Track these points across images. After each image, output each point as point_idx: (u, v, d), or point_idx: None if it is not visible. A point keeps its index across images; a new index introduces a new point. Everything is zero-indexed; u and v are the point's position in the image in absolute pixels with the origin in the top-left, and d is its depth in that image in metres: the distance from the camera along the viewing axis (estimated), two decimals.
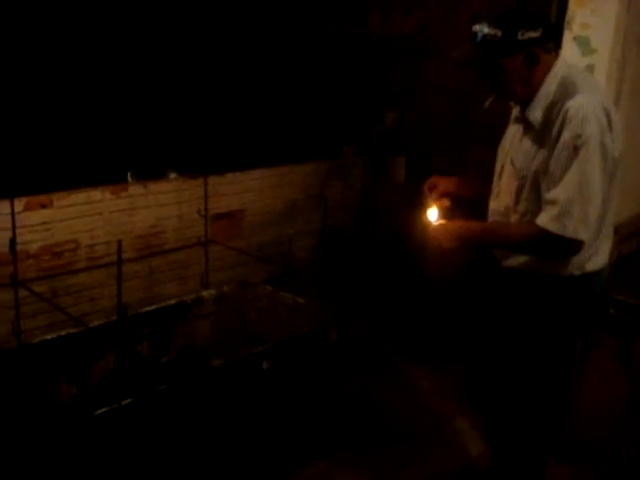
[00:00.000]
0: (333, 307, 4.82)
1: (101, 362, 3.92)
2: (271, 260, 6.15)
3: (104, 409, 3.09)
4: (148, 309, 4.23)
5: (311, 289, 6.08)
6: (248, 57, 6.32)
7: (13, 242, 3.51)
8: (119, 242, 3.03)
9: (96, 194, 4.75)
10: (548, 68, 3.15)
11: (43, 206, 4.48)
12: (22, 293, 4.07)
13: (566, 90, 3.09)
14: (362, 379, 4.93)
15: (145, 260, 5.18)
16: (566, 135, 2.98)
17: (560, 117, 3.02)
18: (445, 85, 6.32)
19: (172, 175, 5.42)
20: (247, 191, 5.88)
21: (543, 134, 3.12)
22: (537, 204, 3.14)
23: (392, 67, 6.85)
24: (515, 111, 3.43)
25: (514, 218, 3.29)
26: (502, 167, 3.41)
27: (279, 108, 6.42)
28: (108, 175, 5.04)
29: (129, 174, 5.25)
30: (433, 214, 3.48)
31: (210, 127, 5.72)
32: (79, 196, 4.66)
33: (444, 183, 3.67)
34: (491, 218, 3.46)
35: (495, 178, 3.46)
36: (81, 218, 4.71)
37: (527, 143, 3.21)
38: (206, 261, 4.44)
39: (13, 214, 3.49)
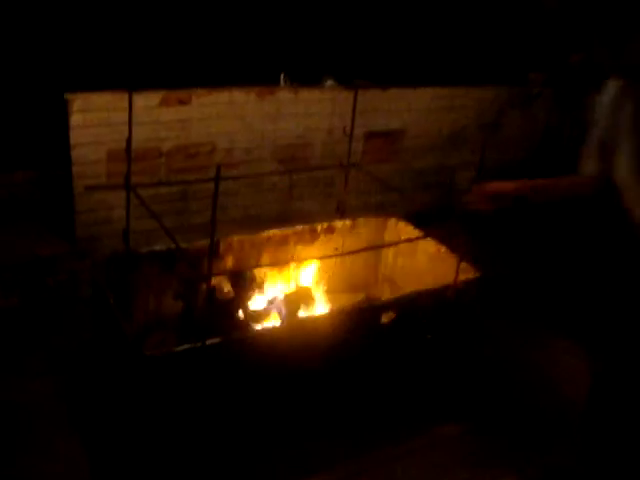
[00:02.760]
0: (483, 253, 4.24)
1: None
2: (428, 189, 5.62)
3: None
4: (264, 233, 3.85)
5: (465, 228, 5.54)
6: None
7: (129, 143, 3.18)
8: (218, 168, 2.60)
9: (240, 95, 4.36)
10: None
11: (182, 102, 4.15)
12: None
13: None
14: (504, 342, 4.33)
15: (286, 173, 4.79)
16: None
17: None
18: None
19: (328, 83, 4.93)
20: (411, 110, 5.28)
21: None
22: None
23: None
24: None
25: None
26: None
27: (459, 21, 5.68)
28: (258, 75, 4.64)
29: (282, 76, 4.81)
30: None
31: (380, 34, 5.13)
32: (221, 95, 4.29)
33: None
34: None
35: None
36: (221, 119, 4.35)
37: None
38: (345, 185, 3.95)
39: (131, 110, 3.15)
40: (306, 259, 3.82)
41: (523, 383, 3.91)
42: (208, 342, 2.76)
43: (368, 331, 3.30)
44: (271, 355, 3.00)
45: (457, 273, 3.39)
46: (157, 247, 3.48)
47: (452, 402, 3.66)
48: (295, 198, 4.84)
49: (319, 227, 3.92)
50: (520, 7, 5.92)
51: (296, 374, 3.11)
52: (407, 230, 4.03)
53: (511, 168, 6.03)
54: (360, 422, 3.39)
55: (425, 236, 3.86)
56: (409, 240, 3.88)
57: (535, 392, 3.86)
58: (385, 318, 3.29)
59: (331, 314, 3.41)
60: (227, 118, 4.36)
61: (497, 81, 5.70)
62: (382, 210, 4.81)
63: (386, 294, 4.09)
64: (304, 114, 4.69)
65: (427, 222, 4.42)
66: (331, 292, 3.89)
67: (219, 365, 2.88)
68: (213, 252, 2.89)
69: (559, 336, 4.38)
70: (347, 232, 4.02)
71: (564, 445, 3.33)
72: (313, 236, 3.95)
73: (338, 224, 3.98)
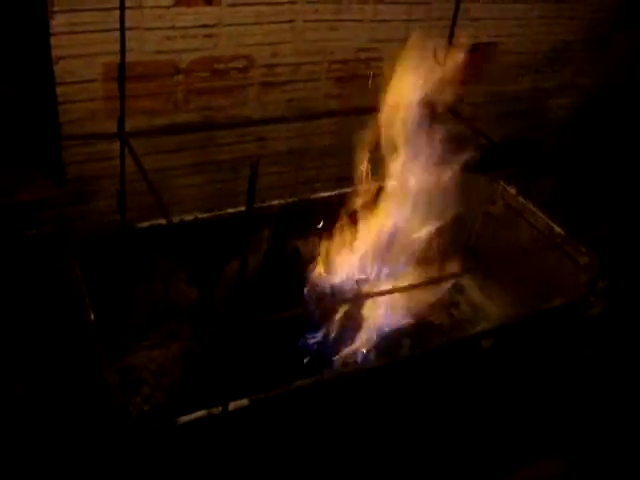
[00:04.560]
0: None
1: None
2: (517, 118, 4.50)
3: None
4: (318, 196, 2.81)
5: (558, 173, 4.44)
6: None
7: (122, 68, 2.13)
8: (255, 162, 1.52)
9: None
10: None
11: (207, 1, 3.02)
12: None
13: None
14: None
15: (343, 95, 3.68)
16: None
17: None
18: None
19: None
20: (505, 19, 4.08)
21: None
22: None
23: None
24: None
25: None
26: None
27: None
28: None
29: None
30: None
31: None
32: None
33: None
34: None
35: None
36: (261, 25, 3.22)
37: None
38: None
39: (123, 14, 2.07)
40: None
41: None
42: (231, 406, 1.77)
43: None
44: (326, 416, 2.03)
45: (592, 283, 2.33)
46: (159, 220, 2.46)
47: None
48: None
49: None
50: None
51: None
52: (507, 194, 2.97)
53: (618, 95, 4.88)
54: None
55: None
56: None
57: None
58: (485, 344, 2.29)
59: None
60: (269, 24, 3.23)
61: None
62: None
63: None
64: (372, 19, 3.54)
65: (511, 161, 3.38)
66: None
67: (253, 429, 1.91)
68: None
69: None
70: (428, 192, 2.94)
71: None
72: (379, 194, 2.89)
73: (416, 181, 2.89)
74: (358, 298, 2.50)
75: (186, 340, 2.70)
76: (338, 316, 2.50)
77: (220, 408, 1.80)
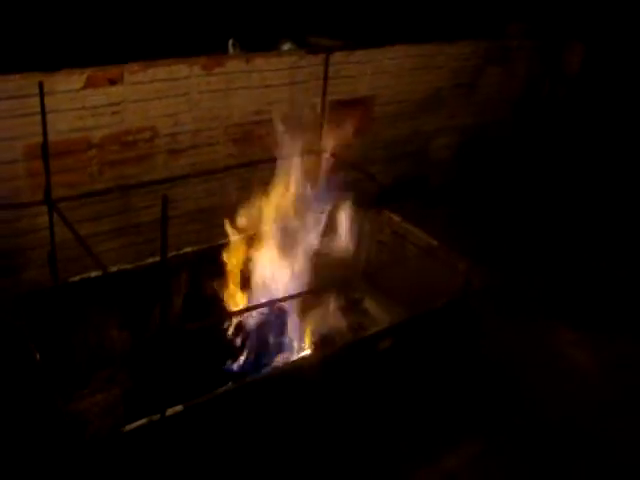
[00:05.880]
0: (471, 237, 3.67)
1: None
2: (403, 160, 5.00)
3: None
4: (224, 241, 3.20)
5: (444, 203, 4.93)
6: None
7: (45, 146, 2.49)
8: (164, 197, 1.92)
9: (182, 69, 3.64)
10: None
11: (111, 82, 3.43)
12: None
13: None
14: (503, 338, 3.77)
15: (242, 153, 4.10)
16: None
17: None
18: None
19: (286, 46, 4.23)
20: (381, 73, 4.62)
21: None
22: None
23: None
24: None
25: None
26: None
27: None
28: (202, 44, 3.92)
29: (230, 43, 4.10)
30: None
31: None
32: (159, 70, 3.57)
33: None
34: None
35: None
36: (161, 99, 3.64)
37: None
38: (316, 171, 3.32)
39: (42, 99, 2.45)
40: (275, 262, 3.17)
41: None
42: (169, 412, 2.12)
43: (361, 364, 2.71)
44: (248, 417, 2.39)
45: (466, 282, 2.78)
46: (92, 274, 2.80)
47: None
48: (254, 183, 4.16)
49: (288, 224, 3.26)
50: None
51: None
52: (393, 221, 3.42)
53: (491, 130, 5.46)
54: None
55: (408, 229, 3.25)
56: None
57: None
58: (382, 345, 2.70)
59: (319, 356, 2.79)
60: (169, 97, 3.65)
61: (473, 35, 5.05)
62: (354, 189, 4.16)
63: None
64: (260, 85, 4.00)
65: (402, 198, 3.86)
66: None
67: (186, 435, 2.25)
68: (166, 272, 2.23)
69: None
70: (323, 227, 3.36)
71: None
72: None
73: (311, 218, 3.32)
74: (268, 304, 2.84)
75: (124, 383, 2.98)
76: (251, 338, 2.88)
77: (159, 415, 2.12)
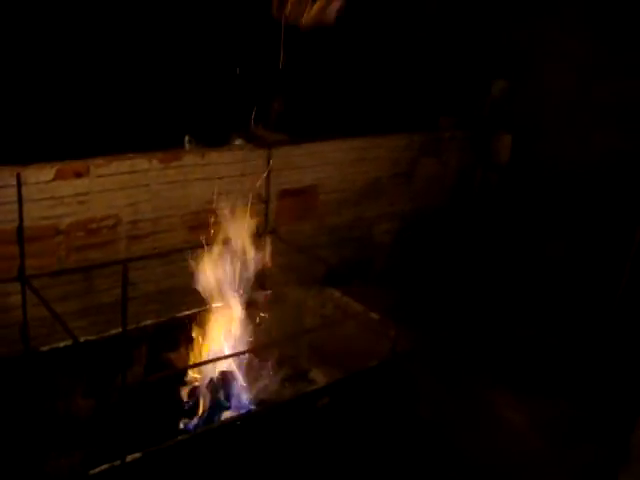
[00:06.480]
0: (412, 311, 4.05)
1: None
2: (347, 245, 5.40)
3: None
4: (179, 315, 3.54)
5: (388, 283, 5.31)
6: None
7: (20, 230, 2.84)
8: (124, 266, 2.28)
9: (142, 162, 4.05)
10: None
11: (78, 175, 3.81)
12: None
13: None
14: (438, 400, 4.11)
15: (197, 239, 4.45)
16: None
17: None
18: (568, 52, 5.34)
19: (237, 142, 4.67)
20: (324, 164, 5.08)
21: None
22: None
23: (505, 26, 5.85)
24: None
25: None
26: None
27: (368, 71, 5.55)
28: (161, 139, 4.33)
29: (186, 139, 4.52)
30: None
31: (285, 90, 4.91)
32: (122, 164, 3.97)
33: None
34: None
35: None
36: (123, 190, 4.02)
37: None
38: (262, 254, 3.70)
39: (20, 191, 2.81)
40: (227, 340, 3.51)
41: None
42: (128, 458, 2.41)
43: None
44: (199, 466, 2.68)
45: (394, 345, 3.15)
46: (61, 344, 3.10)
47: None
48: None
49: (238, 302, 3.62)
50: (428, 50, 5.87)
51: None
52: (334, 297, 3.79)
53: (428, 216, 5.91)
54: None
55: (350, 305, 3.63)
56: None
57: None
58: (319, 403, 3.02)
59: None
60: (130, 188, 4.04)
61: (409, 128, 5.57)
62: (300, 272, 4.54)
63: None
64: (213, 177, 4.40)
65: (347, 280, 4.23)
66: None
67: None
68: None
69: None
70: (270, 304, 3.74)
71: None
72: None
73: (259, 296, 3.69)
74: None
75: (87, 449, 3.22)
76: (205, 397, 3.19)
77: (119, 461, 2.41)
